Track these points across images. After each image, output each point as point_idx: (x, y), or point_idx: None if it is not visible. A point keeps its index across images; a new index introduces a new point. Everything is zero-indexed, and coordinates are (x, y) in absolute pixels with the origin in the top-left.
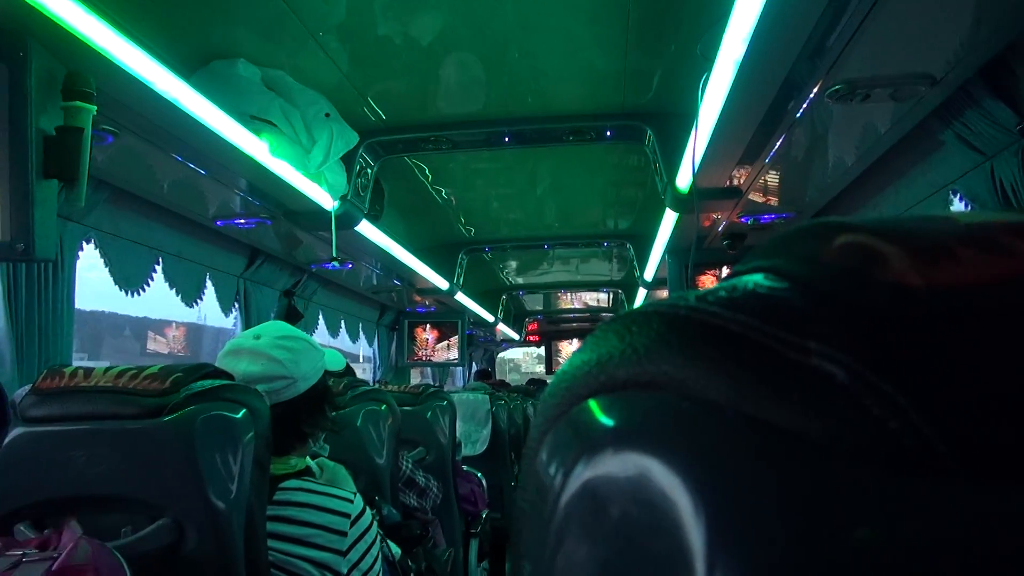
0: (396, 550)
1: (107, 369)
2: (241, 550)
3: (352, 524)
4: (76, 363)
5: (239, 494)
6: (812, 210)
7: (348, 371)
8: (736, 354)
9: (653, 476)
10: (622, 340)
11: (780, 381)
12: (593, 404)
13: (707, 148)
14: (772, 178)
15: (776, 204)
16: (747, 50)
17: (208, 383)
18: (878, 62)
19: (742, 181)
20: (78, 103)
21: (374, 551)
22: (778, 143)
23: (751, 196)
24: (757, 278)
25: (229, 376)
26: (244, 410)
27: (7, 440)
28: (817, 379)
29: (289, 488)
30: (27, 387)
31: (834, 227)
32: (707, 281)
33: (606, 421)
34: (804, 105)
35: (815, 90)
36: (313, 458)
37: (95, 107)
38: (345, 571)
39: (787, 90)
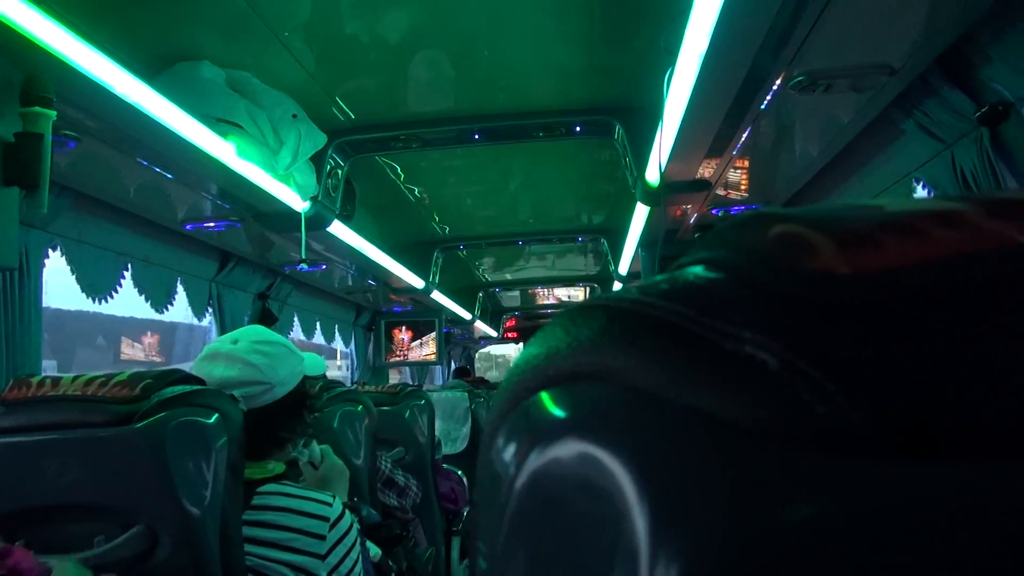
0: (376, 551)
1: (75, 377)
2: (216, 555)
3: (331, 527)
4: (45, 367)
5: (213, 499)
6: (780, 200)
7: (322, 378)
8: (673, 344)
9: (597, 465)
10: (568, 333)
11: (714, 370)
12: (543, 396)
13: (675, 141)
14: (740, 170)
15: (745, 195)
16: (710, 43)
17: (179, 389)
18: (838, 53)
19: (710, 173)
20: (37, 108)
21: (354, 554)
22: (744, 135)
23: (720, 188)
24: (697, 269)
25: (200, 381)
26: (216, 415)
27: None
28: (750, 367)
29: (267, 492)
30: None
31: (770, 217)
32: None
33: (554, 412)
34: (768, 97)
35: (778, 82)
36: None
37: (55, 112)
38: (324, 574)
39: (751, 82)
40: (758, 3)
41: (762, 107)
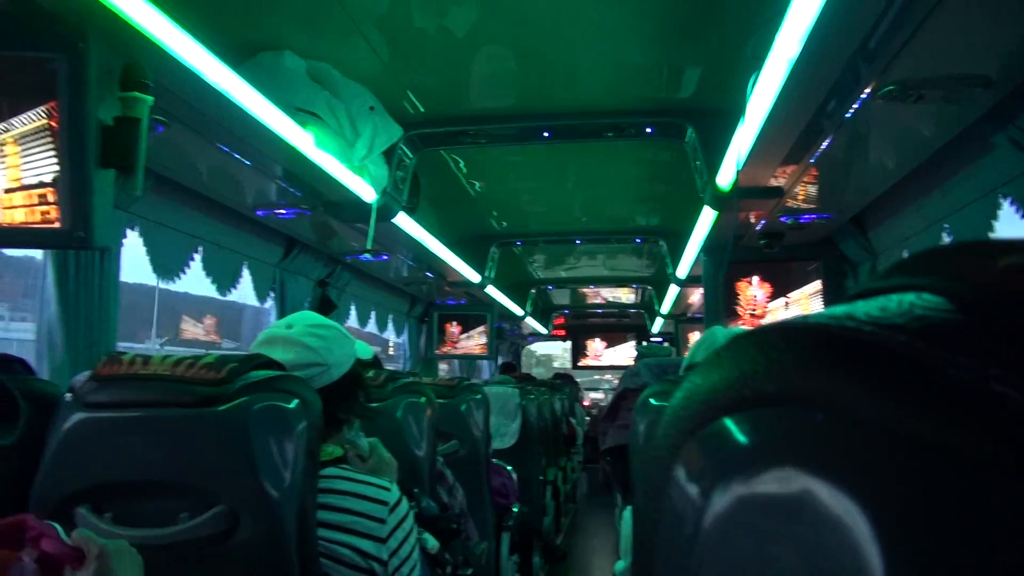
0: (434, 543)
1: (165, 357)
2: (294, 538)
3: (390, 512)
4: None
5: (292, 483)
6: (852, 211)
7: (376, 363)
8: (903, 375)
9: (814, 496)
10: (767, 355)
11: (955, 405)
12: (736, 419)
13: (752, 147)
14: (814, 178)
15: (816, 204)
16: (802, 49)
17: (262, 373)
18: (933, 63)
19: (784, 180)
20: (135, 94)
21: (412, 539)
22: (825, 143)
23: (791, 196)
24: (910, 297)
25: (281, 367)
26: (297, 400)
27: (67, 424)
28: (999, 405)
29: (328, 476)
30: (87, 372)
31: (994, 248)
32: (744, 282)
33: (755, 437)
34: (855, 105)
35: (868, 90)
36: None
37: (152, 98)
38: (386, 557)
39: (838, 90)
40: (855, 12)
41: (847, 115)
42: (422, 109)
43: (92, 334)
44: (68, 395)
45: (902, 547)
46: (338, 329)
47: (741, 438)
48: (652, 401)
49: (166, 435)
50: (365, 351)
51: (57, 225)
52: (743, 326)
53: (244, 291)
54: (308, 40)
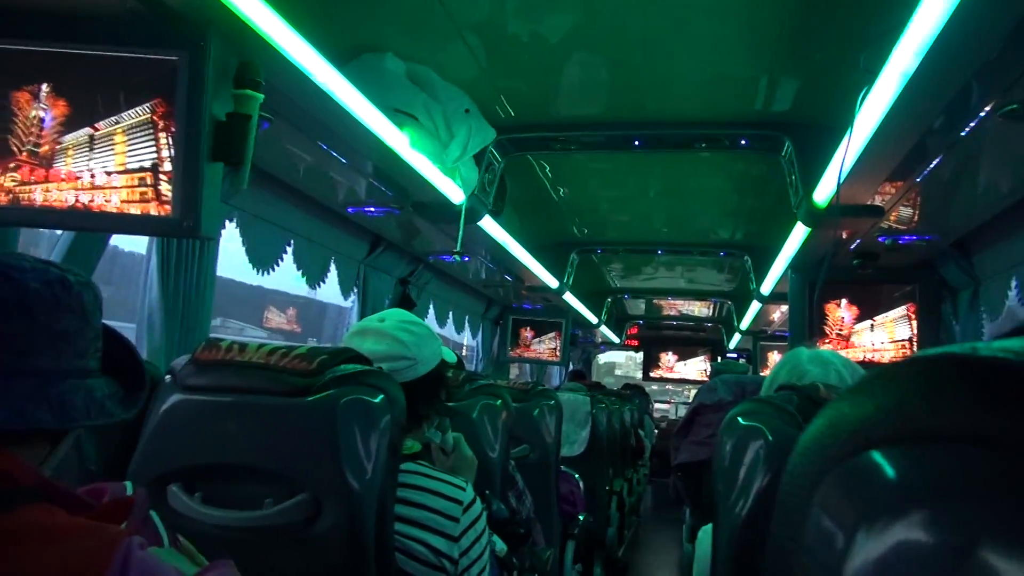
0: (502, 546)
1: (260, 346)
2: (372, 530)
3: (464, 511)
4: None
5: (373, 476)
6: (957, 233)
7: (459, 364)
8: None
9: (983, 543)
10: (936, 387)
11: None
12: (890, 454)
13: (855, 163)
14: (918, 198)
15: (918, 225)
16: (919, 65)
17: (350, 367)
18: None
19: (884, 199)
20: (248, 91)
21: (483, 541)
22: (934, 162)
23: (892, 215)
24: None
25: (367, 361)
26: (382, 395)
27: (166, 405)
28: None
29: (406, 471)
30: (186, 356)
31: None
32: (833, 303)
33: (920, 474)
34: (972, 123)
35: (987, 108)
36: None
37: (263, 96)
38: (457, 556)
39: (954, 107)
40: (981, 27)
41: (961, 134)
42: (512, 114)
43: (189, 320)
44: (168, 376)
45: None
46: (427, 328)
47: (894, 474)
48: (740, 420)
49: (257, 421)
50: (449, 355)
51: (168, 214)
52: (829, 347)
53: (328, 285)
54: (409, 43)
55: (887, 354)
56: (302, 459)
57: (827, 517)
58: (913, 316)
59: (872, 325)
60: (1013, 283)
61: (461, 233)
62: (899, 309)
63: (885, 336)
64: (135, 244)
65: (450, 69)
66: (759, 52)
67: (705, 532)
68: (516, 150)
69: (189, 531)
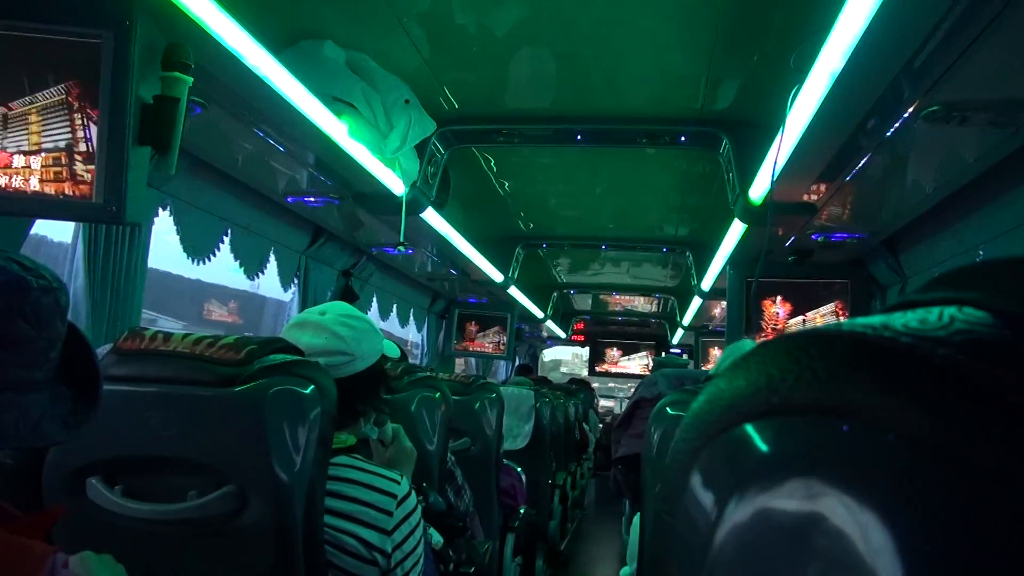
0: (438, 538)
1: (186, 335)
2: (300, 522)
3: (398, 505)
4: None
5: (303, 468)
6: (887, 232)
7: (403, 357)
8: (943, 390)
9: (840, 509)
10: (798, 362)
11: (997, 422)
12: (760, 426)
13: (787, 161)
14: (849, 196)
15: (849, 223)
16: (845, 64)
17: (280, 357)
18: (981, 85)
19: (817, 197)
20: (176, 74)
21: (417, 534)
22: (862, 161)
23: (824, 213)
24: (951, 310)
25: (299, 351)
26: (312, 386)
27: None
28: None
29: (339, 464)
30: (108, 345)
31: None
32: (768, 299)
33: (781, 446)
34: (896, 124)
35: (910, 110)
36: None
37: (192, 79)
38: (390, 550)
39: (880, 107)
40: (904, 29)
41: (887, 134)
42: (457, 106)
43: (117, 309)
44: None
45: (933, 569)
46: (369, 323)
47: (763, 446)
48: (668, 410)
49: (182, 412)
50: (392, 349)
51: (91, 199)
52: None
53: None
54: (350, 30)
55: None
56: (228, 451)
57: (700, 489)
58: (841, 313)
59: (804, 321)
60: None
61: (403, 225)
62: (828, 306)
63: None
64: (62, 233)
65: (392, 59)
66: (699, 51)
67: (638, 518)
68: (459, 142)
69: (110, 525)
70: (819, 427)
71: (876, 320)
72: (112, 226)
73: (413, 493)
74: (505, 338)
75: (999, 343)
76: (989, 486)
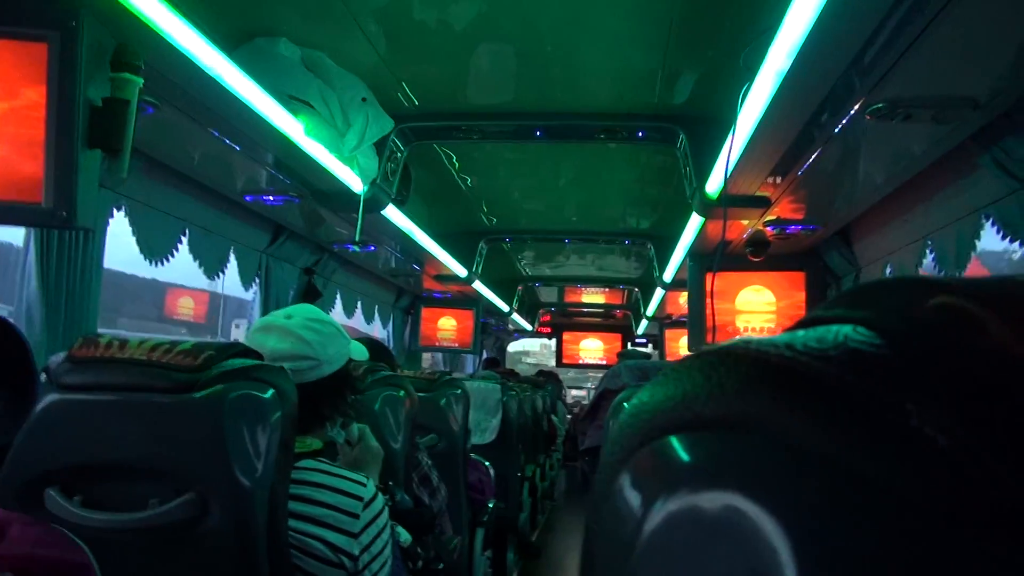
0: (406, 536)
1: (142, 341)
2: (263, 528)
3: (365, 507)
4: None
5: (264, 473)
6: (839, 224)
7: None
8: (831, 406)
9: (742, 518)
10: (708, 379)
11: (876, 437)
12: (676, 440)
13: (740, 156)
14: (802, 190)
15: (802, 216)
16: (793, 63)
17: (239, 362)
18: (923, 84)
19: (771, 191)
20: (126, 75)
21: (385, 535)
22: (812, 156)
23: (778, 206)
24: (846, 329)
25: (259, 356)
26: (272, 390)
27: (41, 405)
28: (914, 440)
29: (304, 468)
30: (62, 353)
31: (927, 285)
32: (727, 286)
33: (692, 458)
34: (844, 121)
35: (856, 107)
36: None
37: (142, 80)
38: (357, 553)
39: (827, 105)
40: (847, 29)
41: (835, 131)
42: (416, 102)
43: (72, 315)
44: (43, 375)
45: (818, 569)
46: (336, 327)
47: (678, 459)
48: (625, 405)
49: (140, 420)
50: (360, 352)
51: (40, 203)
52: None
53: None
54: (304, 28)
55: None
56: (188, 457)
57: (622, 500)
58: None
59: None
60: (888, 270)
61: (360, 223)
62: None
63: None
64: (12, 235)
65: (348, 56)
66: (655, 47)
67: None
68: (419, 139)
69: None
70: (725, 441)
71: (781, 339)
72: (64, 230)
73: (380, 494)
74: (471, 332)
75: (882, 361)
76: (868, 493)
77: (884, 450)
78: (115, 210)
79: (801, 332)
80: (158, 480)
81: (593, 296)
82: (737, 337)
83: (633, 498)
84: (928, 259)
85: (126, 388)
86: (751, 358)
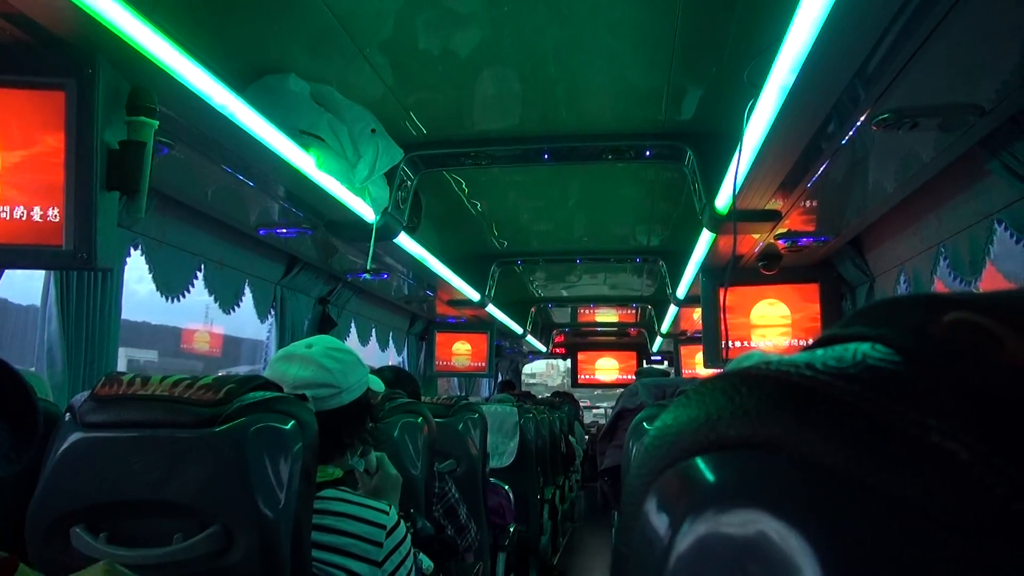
0: (429, 564)
1: (163, 378)
2: (288, 559)
3: (387, 535)
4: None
5: (287, 504)
6: (850, 234)
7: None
8: (852, 424)
9: (769, 536)
10: (731, 401)
11: (897, 453)
12: (701, 461)
13: (749, 171)
14: (812, 202)
15: (813, 227)
16: (796, 78)
17: (259, 395)
18: (928, 92)
19: (781, 204)
20: (142, 118)
21: (408, 563)
22: (821, 168)
23: (788, 219)
24: (865, 348)
25: (279, 388)
26: (293, 422)
27: (65, 444)
28: (937, 455)
29: (326, 497)
30: (86, 392)
31: (942, 302)
32: (741, 300)
33: (718, 479)
34: (850, 132)
35: (862, 118)
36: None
37: (157, 122)
38: None
39: (833, 117)
40: (850, 41)
41: (842, 142)
42: (424, 130)
43: (93, 353)
44: (67, 415)
45: None
46: (355, 356)
47: (703, 480)
48: (645, 424)
49: (163, 455)
50: (377, 384)
51: (61, 246)
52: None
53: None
54: (312, 63)
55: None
56: (212, 491)
57: (651, 522)
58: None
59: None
60: (902, 278)
61: (372, 251)
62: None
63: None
64: (29, 296)
65: (356, 88)
66: (660, 65)
67: None
68: (428, 167)
69: None
70: (750, 461)
71: (801, 358)
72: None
73: (402, 522)
74: (485, 355)
75: (901, 379)
76: (892, 509)
77: (906, 467)
78: (131, 248)
79: (820, 351)
80: (183, 515)
81: (606, 315)
82: (754, 352)
83: (661, 519)
84: (942, 265)
85: (149, 425)
86: (772, 379)
